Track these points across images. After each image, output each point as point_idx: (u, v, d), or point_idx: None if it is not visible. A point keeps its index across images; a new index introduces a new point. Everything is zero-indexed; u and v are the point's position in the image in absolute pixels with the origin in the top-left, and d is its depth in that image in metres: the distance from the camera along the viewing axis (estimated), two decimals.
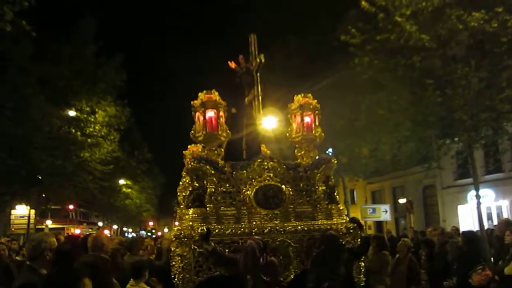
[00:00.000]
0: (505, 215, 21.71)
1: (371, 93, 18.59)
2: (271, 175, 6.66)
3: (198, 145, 8.57)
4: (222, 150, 7.01)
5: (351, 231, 6.58)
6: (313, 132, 7.20)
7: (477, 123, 17.00)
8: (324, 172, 6.91)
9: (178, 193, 8.24)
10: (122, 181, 34.28)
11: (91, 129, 23.20)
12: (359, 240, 6.57)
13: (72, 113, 22.44)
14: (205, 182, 6.52)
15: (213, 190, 6.49)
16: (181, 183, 7.98)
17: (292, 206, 6.71)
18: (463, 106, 16.53)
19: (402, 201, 25.24)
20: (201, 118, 6.86)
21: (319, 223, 6.66)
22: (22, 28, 15.13)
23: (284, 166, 6.77)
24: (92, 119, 23.17)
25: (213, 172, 6.50)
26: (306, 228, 6.53)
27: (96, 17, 22.68)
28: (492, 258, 14.55)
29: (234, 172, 6.62)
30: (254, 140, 7.74)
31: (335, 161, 6.98)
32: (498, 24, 15.59)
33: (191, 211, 6.36)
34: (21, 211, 29.12)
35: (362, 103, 18.83)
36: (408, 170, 23.88)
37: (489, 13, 15.61)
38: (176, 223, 9.14)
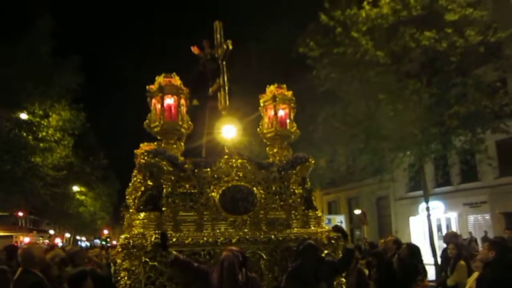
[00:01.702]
0: (454, 226, 21.28)
1: (327, 105, 17.69)
2: (240, 174, 5.22)
3: (152, 144, 7.08)
4: (182, 144, 5.51)
5: (333, 241, 5.21)
6: (288, 127, 5.85)
7: (428, 137, 16.49)
8: (300, 173, 5.54)
9: (127, 196, 6.58)
10: (76, 188, 31.67)
11: (43, 133, 20.82)
12: (340, 252, 5.22)
13: (24, 116, 20.08)
14: (161, 181, 5.00)
15: (170, 190, 4.97)
16: (131, 184, 6.36)
17: (263, 212, 5.28)
18: (414, 121, 15.99)
19: (357, 212, 24.41)
20: (158, 106, 5.35)
21: (295, 231, 5.26)
22: None
23: (255, 165, 5.34)
24: (45, 123, 20.83)
25: (171, 169, 4.99)
26: (280, 238, 5.10)
27: (53, 17, 20.53)
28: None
29: (196, 170, 5.12)
30: (217, 140, 6.26)
31: (313, 161, 5.62)
32: (448, 44, 15.16)
33: (142, 215, 4.80)
34: None
35: (319, 115, 17.87)
36: (362, 181, 23.08)
37: (439, 33, 15.19)
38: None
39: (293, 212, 5.42)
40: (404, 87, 16.16)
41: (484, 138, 16.26)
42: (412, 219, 23.94)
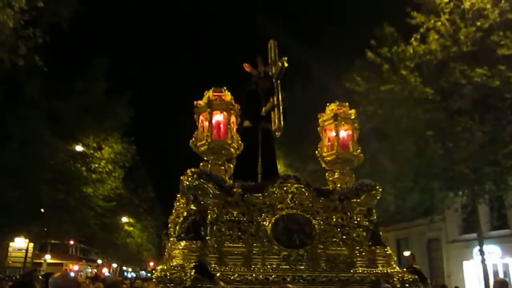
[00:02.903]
0: None
1: (374, 142, 16.54)
2: (296, 201, 4.29)
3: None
4: (231, 166, 4.67)
5: (407, 285, 4.11)
6: (351, 150, 4.91)
7: (481, 177, 14.99)
8: (365, 202, 4.54)
9: (170, 224, 5.71)
10: (124, 219, 31.38)
11: (96, 165, 20.88)
12: None
13: (79, 148, 20.25)
14: (205, 206, 4.14)
15: (215, 217, 4.12)
16: (174, 210, 5.52)
17: (322, 246, 4.30)
18: (466, 160, 14.60)
19: (407, 253, 22.29)
20: (206, 123, 4.59)
21: (361, 271, 4.22)
22: (34, 62, 13.66)
23: (314, 191, 4.40)
24: (98, 155, 20.90)
25: (217, 192, 4.15)
26: (343, 278, 4.08)
27: (107, 55, 21.13)
28: None
29: (245, 195, 4.25)
30: (271, 160, 5.38)
31: (380, 189, 4.62)
32: (501, 80, 13.91)
33: (183, 244, 3.96)
34: (19, 243, 25.98)
35: (366, 151, 16.65)
36: (412, 222, 21.20)
37: (492, 70, 13.98)
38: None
39: (357, 248, 4.41)
40: (455, 125, 14.94)
41: None
42: (466, 264, 21.54)
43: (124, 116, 21.23)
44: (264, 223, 4.22)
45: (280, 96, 5.43)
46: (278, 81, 5.57)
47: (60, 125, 19.41)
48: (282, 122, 5.23)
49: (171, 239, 5.13)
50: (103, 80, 20.56)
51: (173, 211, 5.65)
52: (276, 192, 4.33)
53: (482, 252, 15.26)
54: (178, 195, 5.34)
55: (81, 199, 21.49)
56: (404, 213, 18.24)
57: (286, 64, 5.47)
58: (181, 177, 6.63)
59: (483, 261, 15.20)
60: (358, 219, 4.50)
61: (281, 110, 5.33)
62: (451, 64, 14.81)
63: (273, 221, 4.21)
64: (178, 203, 5.29)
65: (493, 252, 18.73)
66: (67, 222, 22.77)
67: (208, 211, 4.15)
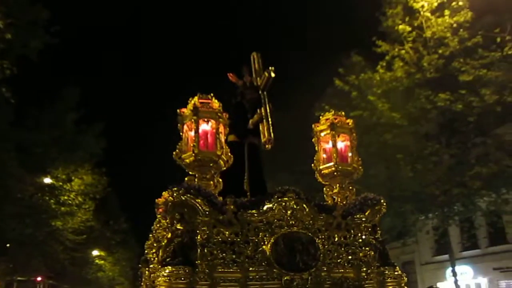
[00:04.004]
0: None
1: None
2: (297, 218, 3.65)
3: None
4: (221, 181, 4.00)
5: None
6: (350, 161, 4.35)
7: (450, 199, 14.85)
8: (371, 218, 3.94)
9: (147, 250, 4.83)
10: (95, 252, 29.44)
11: (65, 198, 19.48)
12: None
13: (47, 180, 18.91)
14: (193, 226, 3.43)
15: (205, 237, 3.40)
16: (151, 235, 4.68)
17: (326, 269, 3.63)
18: (435, 182, 14.46)
19: None
20: (191, 132, 3.93)
21: None
22: (2, 94, 13.06)
23: (314, 207, 3.77)
24: (68, 187, 19.57)
25: (207, 209, 3.45)
26: None
27: (79, 85, 20.03)
28: None
29: (239, 212, 3.57)
30: (259, 179, 4.74)
31: (385, 204, 4.06)
32: (464, 104, 14.01)
33: (168, 270, 3.20)
34: None
35: None
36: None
37: (454, 95, 14.10)
38: None
39: (364, 269, 3.75)
40: (423, 148, 14.86)
41: (510, 198, 14.51)
42: (440, 285, 21.15)
43: (95, 147, 20.08)
44: (262, 243, 3.52)
45: (268, 108, 4.87)
46: (265, 93, 5.01)
47: (28, 157, 18.08)
48: (272, 134, 4.65)
49: (152, 265, 4.31)
50: (73, 110, 19.48)
51: (150, 236, 4.80)
52: (274, 208, 3.66)
53: (454, 273, 14.98)
54: (158, 216, 4.55)
55: (49, 233, 19.93)
56: None
57: (273, 74, 4.93)
58: (157, 200, 5.79)
59: (456, 282, 14.91)
60: (364, 237, 3.87)
61: (270, 122, 4.75)
62: (416, 90, 14.88)
63: (273, 241, 3.51)
64: (158, 225, 4.48)
65: (465, 272, 18.44)
66: (35, 257, 21.04)
67: (198, 231, 3.43)
